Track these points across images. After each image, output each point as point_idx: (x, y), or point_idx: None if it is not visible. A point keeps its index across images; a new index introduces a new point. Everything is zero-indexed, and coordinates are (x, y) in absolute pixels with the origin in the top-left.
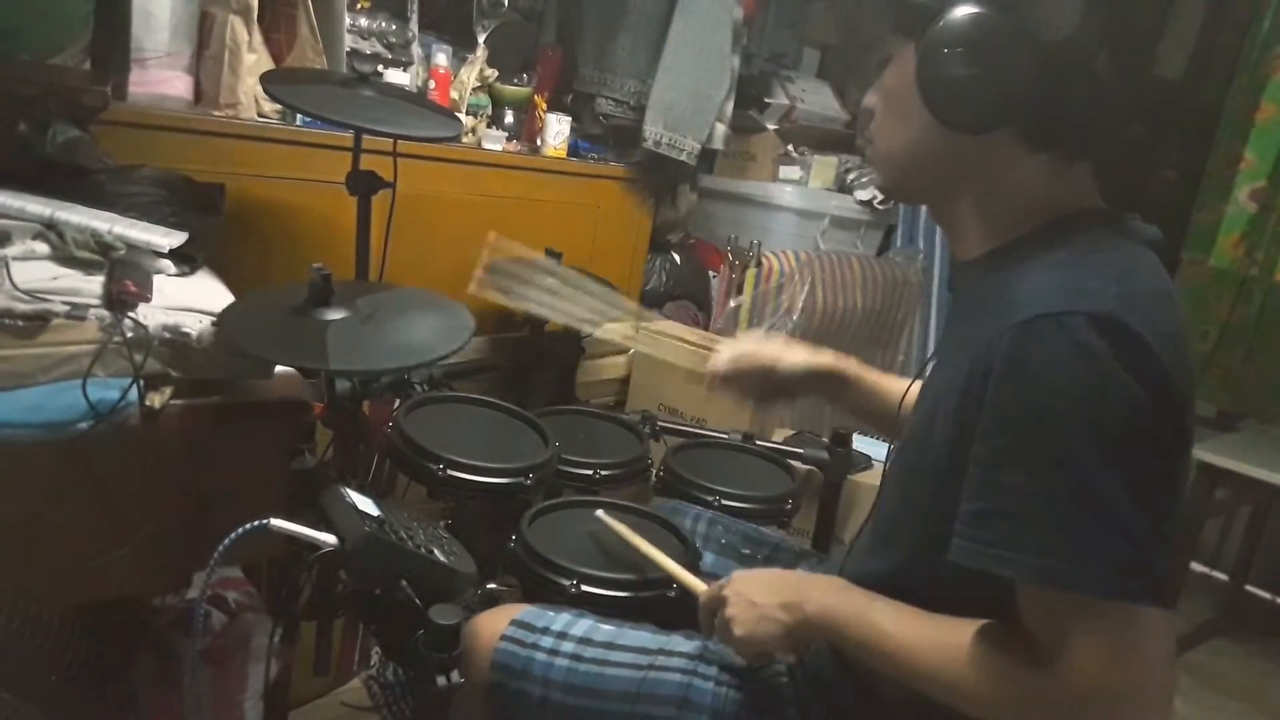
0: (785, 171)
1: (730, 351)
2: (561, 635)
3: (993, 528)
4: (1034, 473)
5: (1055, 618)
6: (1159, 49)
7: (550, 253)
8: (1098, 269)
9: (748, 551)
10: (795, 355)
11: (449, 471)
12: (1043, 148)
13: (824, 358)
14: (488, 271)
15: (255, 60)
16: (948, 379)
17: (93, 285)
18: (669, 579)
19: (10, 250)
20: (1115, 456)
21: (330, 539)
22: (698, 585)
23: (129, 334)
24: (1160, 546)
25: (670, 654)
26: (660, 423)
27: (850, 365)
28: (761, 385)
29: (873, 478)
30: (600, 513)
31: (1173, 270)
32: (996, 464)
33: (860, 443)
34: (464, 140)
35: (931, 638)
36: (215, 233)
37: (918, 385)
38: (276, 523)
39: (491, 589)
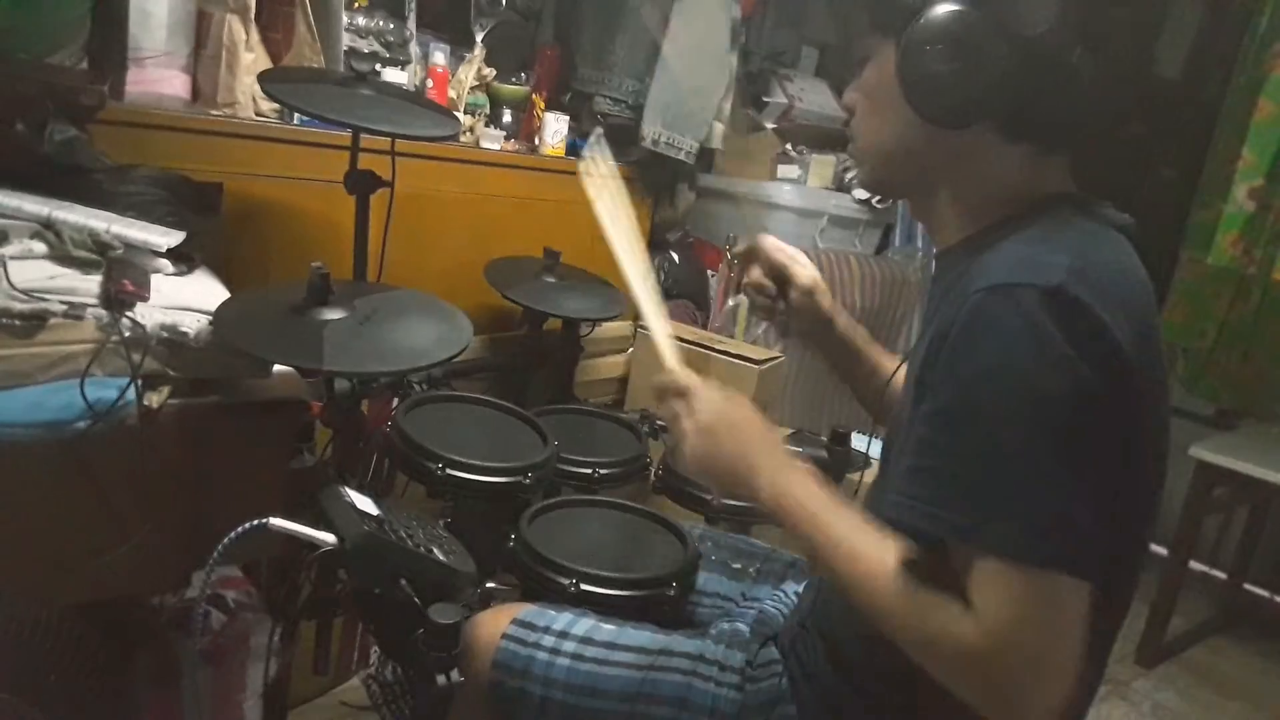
0: (784, 170)
1: (779, 245)
2: (563, 635)
3: (923, 484)
4: (964, 434)
5: (974, 574)
6: (1145, 45)
7: (549, 252)
8: (1055, 244)
9: (738, 565)
10: (814, 281)
11: (448, 470)
12: (1020, 140)
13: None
14: None
15: (253, 59)
16: (918, 357)
17: (90, 284)
18: (667, 579)
19: (7, 249)
20: (1049, 426)
21: (329, 538)
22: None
23: (127, 333)
24: (1093, 518)
25: (671, 654)
26: (659, 421)
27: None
28: (774, 273)
29: (871, 476)
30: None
31: (1171, 268)
32: (933, 423)
33: (859, 441)
34: (462, 139)
35: (871, 561)
36: (213, 232)
37: (903, 371)
38: (275, 522)
39: (491, 588)
